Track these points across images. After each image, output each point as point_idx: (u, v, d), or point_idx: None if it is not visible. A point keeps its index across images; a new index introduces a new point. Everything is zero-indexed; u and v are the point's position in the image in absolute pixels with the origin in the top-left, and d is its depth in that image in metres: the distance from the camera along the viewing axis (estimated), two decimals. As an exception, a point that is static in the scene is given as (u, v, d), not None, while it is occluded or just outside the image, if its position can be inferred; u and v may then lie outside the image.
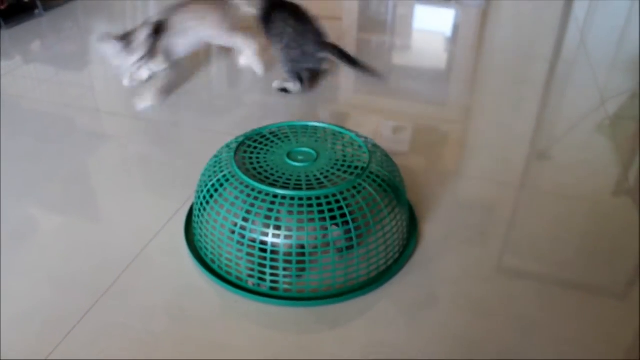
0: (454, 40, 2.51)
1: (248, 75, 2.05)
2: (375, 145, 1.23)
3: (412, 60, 2.28)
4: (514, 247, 1.23)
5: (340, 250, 1.08)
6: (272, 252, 1.05)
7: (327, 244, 1.06)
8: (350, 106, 1.85)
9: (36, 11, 2.54)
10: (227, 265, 1.11)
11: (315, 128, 1.28)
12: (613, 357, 0.97)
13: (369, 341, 0.99)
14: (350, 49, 2.34)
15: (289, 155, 1.17)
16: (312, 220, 1.03)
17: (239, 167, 1.11)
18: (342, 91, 1.97)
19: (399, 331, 1.01)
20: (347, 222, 1.05)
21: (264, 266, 1.06)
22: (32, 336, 0.99)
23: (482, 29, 2.59)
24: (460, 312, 1.05)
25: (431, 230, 1.26)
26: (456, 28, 2.63)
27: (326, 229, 1.05)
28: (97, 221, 1.29)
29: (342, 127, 1.27)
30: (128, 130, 1.68)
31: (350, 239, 1.07)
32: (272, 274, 1.06)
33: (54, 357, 0.95)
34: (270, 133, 1.26)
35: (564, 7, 2.84)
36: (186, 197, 1.35)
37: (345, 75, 2.10)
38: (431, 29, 2.65)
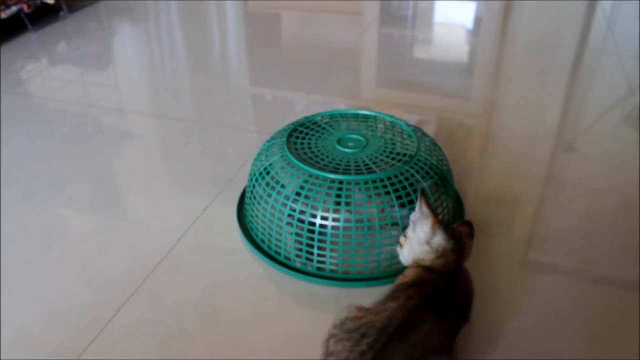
0: (476, 32, 2.48)
1: (271, 71, 2.06)
2: (423, 134, 1.25)
3: (434, 53, 2.27)
4: (541, 242, 1.22)
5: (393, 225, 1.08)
6: (320, 233, 1.07)
7: (386, 225, 1.07)
8: (373, 101, 1.85)
9: (61, 13, 2.58)
10: (276, 245, 1.14)
11: (366, 116, 1.30)
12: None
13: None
14: (372, 44, 2.34)
15: (339, 142, 1.20)
16: (359, 203, 1.06)
17: (291, 152, 1.15)
18: (364, 85, 1.97)
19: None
20: (393, 207, 1.07)
21: (312, 246, 1.08)
22: (66, 334, 1.00)
23: (505, 21, 2.56)
24: (488, 307, 1.05)
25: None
26: (478, 20, 2.60)
27: (383, 210, 1.07)
28: (126, 220, 1.31)
29: (392, 116, 1.29)
30: (153, 129, 1.70)
31: (397, 223, 1.07)
32: (319, 255, 1.09)
33: (87, 354, 0.97)
34: (322, 120, 1.29)
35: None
36: (214, 195, 1.36)
37: (367, 70, 2.10)
38: (453, 22, 2.63)
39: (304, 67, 2.08)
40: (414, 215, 0.92)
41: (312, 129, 1.26)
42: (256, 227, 1.19)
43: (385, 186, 1.07)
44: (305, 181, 1.09)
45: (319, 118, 1.30)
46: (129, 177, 1.47)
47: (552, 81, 1.97)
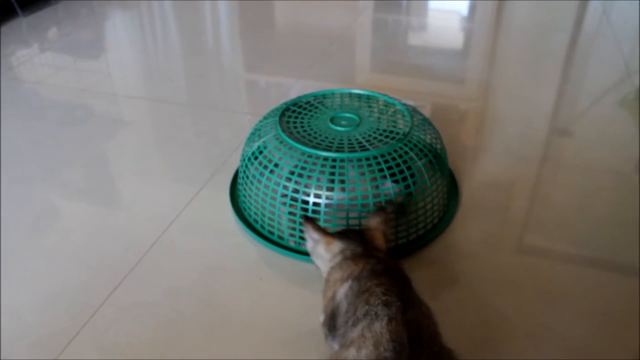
0: (471, 17, 2.47)
1: (265, 55, 2.04)
2: (417, 112, 1.23)
3: (429, 39, 2.25)
4: (538, 223, 1.21)
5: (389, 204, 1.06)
6: (313, 211, 1.06)
7: (379, 202, 1.06)
8: (368, 85, 1.83)
9: (51, -1, 2.55)
10: (270, 225, 1.12)
11: (359, 95, 1.29)
12: (638, 330, 0.96)
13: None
14: (366, 28, 2.33)
15: (332, 120, 1.19)
16: (352, 181, 1.05)
17: (284, 131, 1.14)
18: (358, 70, 1.95)
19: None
20: (386, 185, 1.06)
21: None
22: (60, 316, 0.99)
23: (500, 5, 2.54)
24: (486, 287, 1.04)
25: (458, 207, 1.25)
26: (473, 5, 2.58)
27: (377, 187, 1.06)
28: (120, 203, 1.30)
29: (385, 95, 1.28)
30: (146, 113, 1.69)
31: (391, 201, 1.07)
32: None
33: (82, 335, 0.96)
34: (315, 99, 1.28)
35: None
36: (208, 177, 1.35)
37: (361, 55, 2.08)
38: (447, 7, 2.61)
39: (298, 51, 2.07)
40: (308, 246, 0.92)
41: (304, 108, 1.25)
42: (249, 208, 1.18)
43: (378, 163, 1.06)
44: (299, 160, 1.08)
45: (311, 97, 1.28)
46: (122, 160, 1.45)
47: (548, 64, 1.96)
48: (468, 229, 1.19)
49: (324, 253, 0.89)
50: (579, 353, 0.92)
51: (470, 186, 1.32)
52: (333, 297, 0.82)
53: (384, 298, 0.74)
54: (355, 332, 0.72)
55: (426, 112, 1.67)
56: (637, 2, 2.49)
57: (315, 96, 1.29)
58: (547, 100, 1.72)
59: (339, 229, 0.97)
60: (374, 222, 0.92)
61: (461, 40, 2.26)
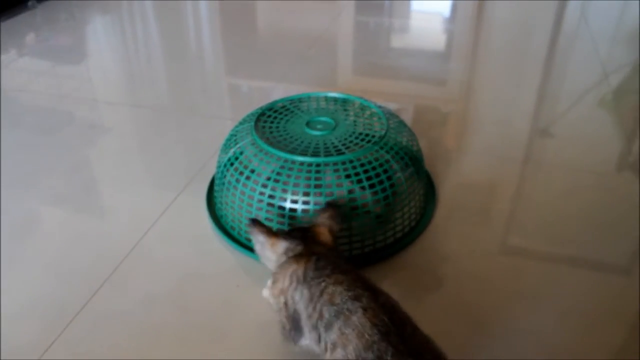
0: (452, 19, 2.48)
1: (246, 59, 2.03)
2: (393, 115, 1.23)
3: (411, 41, 2.26)
4: (518, 224, 1.22)
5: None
6: (290, 217, 1.05)
7: (355, 207, 1.06)
8: (350, 89, 1.83)
9: (29, 3, 2.51)
10: (247, 232, 1.11)
11: (335, 98, 1.29)
12: (618, 326, 0.97)
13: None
14: (347, 31, 2.32)
15: (308, 124, 1.18)
16: (329, 185, 1.04)
17: (260, 136, 1.13)
18: (340, 73, 1.95)
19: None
20: (363, 188, 1.06)
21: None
22: (32, 327, 0.97)
23: (481, 6, 2.55)
24: (464, 289, 1.04)
25: (436, 209, 1.25)
26: (454, 7, 2.59)
27: (353, 192, 1.06)
28: (97, 212, 1.28)
29: (361, 98, 1.28)
30: (126, 119, 1.67)
31: (366, 204, 1.07)
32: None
33: (54, 349, 0.94)
34: (290, 103, 1.27)
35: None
36: (185, 183, 1.34)
37: (343, 57, 2.08)
38: (429, 9, 2.62)
39: (280, 55, 2.06)
40: (257, 249, 0.91)
41: (280, 113, 1.24)
42: (226, 215, 1.17)
43: (354, 167, 1.06)
44: (275, 165, 1.07)
45: (286, 101, 1.28)
46: (100, 167, 1.43)
47: (528, 64, 1.97)
48: (447, 231, 1.19)
49: (271, 255, 0.88)
50: (558, 353, 0.92)
51: (450, 188, 1.32)
52: (286, 305, 0.81)
53: (349, 293, 0.73)
54: (333, 334, 0.72)
55: (408, 114, 1.67)
56: (613, 2, 2.52)
57: (291, 100, 1.28)
58: (527, 101, 1.73)
59: (286, 229, 0.96)
60: (321, 218, 0.92)
61: (443, 41, 2.27)
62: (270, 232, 0.89)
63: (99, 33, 2.35)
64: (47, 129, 1.61)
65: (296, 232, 0.89)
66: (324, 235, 0.88)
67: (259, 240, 0.89)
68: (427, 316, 0.99)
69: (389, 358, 0.65)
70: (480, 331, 0.96)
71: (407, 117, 1.65)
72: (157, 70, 2.00)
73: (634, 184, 1.33)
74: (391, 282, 1.06)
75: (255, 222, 0.90)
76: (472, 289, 1.04)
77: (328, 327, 0.73)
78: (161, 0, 2.66)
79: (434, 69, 1.97)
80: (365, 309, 0.70)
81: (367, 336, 0.68)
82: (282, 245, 0.87)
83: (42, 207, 1.29)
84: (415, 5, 2.68)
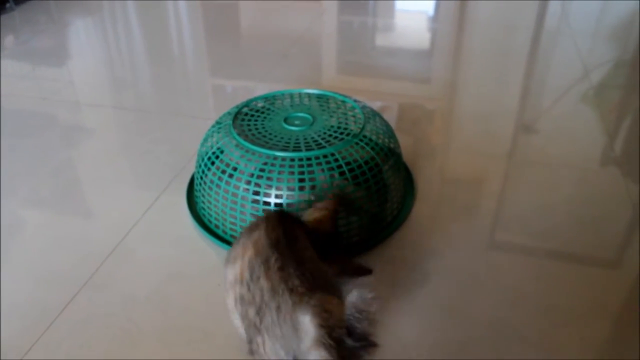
0: (436, 17, 2.48)
1: (230, 59, 2.02)
2: (370, 110, 1.24)
3: (395, 40, 2.26)
4: (502, 220, 1.22)
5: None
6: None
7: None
8: (334, 87, 1.83)
9: (7, 5, 2.48)
10: (231, 229, 1.11)
11: (311, 95, 1.29)
12: (601, 320, 0.97)
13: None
14: (331, 30, 2.32)
15: (285, 121, 1.19)
16: (313, 179, 1.05)
17: (239, 133, 1.13)
18: (325, 72, 1.94)
19: (386, 307, 0.99)
20: (346, 180, 1.07)
21: None
22: (13, 330, 0.95)
23: (463, 5, 2.56)
24: (449, 285, 1.04)
25: (420, 206, 1.25)
26: (438, 5, 2.60)
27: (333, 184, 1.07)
28: (79, 213, 1.25)
29: (337, 93, 1.29)
30: (108, 120, 1.65)
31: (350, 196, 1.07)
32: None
33: (35, 351, 0.92)
34: (266, 101, 1.28)
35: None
36: (166, 183, 1.32)
37: (327, 55, 2.07)
38: (413, 8, 2.63)
39: (264, 55, 2.05)
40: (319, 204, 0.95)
41: (257, 110, 1.24)
42: (209, 213, 1.16)
43: (337, 160, 1.07)
44: (257, 162, 1.07)
45: (263, 99, 1.28)
46: (81, 169, 1.41)
47: (511, 61, 1.98)
48: (431, 228, 1.18)
49: (317, 215, 0.92)
50: (541, 349, 0.92)
51: (435, 185, 1.32)
52: None
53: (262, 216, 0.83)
54: (238, 247, 0.78)
55: (393, 112, 1.67)
56: (593, 1, 2.54)
57: (266, 98, 1.28)
58: (510, 98, 1.73)
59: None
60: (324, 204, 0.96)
61: (427, 40, 2.27)
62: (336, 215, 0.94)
63: (80, 35, 2.32)
64: (28, 131, 1.58)
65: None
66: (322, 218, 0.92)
67: (329, 206, 0.94)
68: (408, 313, 0.99)
69: (272, 261, 0.71)
70: (464, 326, 0.96)
71: (392, 115, 1.64)
72: (139, 71, 1.98)
73: (617, 178, 1.33)
74: (376, 276, 1.05)
75: (341, 198, 0.97)
76: (456, 285, 1.04)
77: (235, 243, 0.81)
78: (143, 1, 2.64)
79: (418, 67, 1.97)
80: (266, 226, 0.77)
81: (259, 245, 0.75)
82: (327, 223, 0.92)
83: (24, 210, 1.26)
84: (399, 5, 2.68)
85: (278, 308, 0.65)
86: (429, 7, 2.63)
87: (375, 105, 1.70)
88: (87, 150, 1.49)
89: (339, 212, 0.96)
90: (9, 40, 2.25)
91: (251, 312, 0.69)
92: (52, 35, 2.30)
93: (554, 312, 0.98)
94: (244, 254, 0.76)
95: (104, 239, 1.16)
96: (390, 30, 2.38)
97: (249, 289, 0.71)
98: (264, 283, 0.69)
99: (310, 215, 0.93)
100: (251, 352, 0.70)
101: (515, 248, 1.13)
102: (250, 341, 0.70)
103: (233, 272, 0.76)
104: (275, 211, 0.86)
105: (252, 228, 0.81)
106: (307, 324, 0.61)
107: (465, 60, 2.03)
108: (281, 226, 0.78)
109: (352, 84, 1.86)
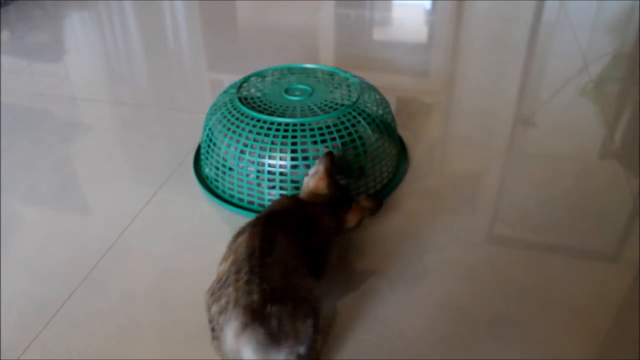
0: (433, 10, 2.47)
1: (227, 53, 2.01)
2: (366, 83, 1.32)
3: (392, 33, 2.25)
4: (502, 213, 1.21)
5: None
6: (270, 172, 1.14)
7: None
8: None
9: (2, 0, 2.46)
10: (229, 189, 1.21)
11: (313, 69, 1.38)
12: (601, 314, 0.96)
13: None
14: (328, 24, 2.31)
15: (286, 91, 1.27)
16: (304, 143, 1.13)
17: (241, 102, 1.22)
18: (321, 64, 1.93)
19: (386, 301, 0.99)
20: (336, 146, 1.14)
21: (261, 185, 1.17)
22: (10, 327, 0.95)
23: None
24: (449, 279, 1.04)
25: (420, 201, 1.24)
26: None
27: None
28: (75, 208, 1.25)
29: (336, 68, 1.37)
30: (105, 115, 1.64)
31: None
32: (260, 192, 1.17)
33: (33, 348, 0.92)
34: (270, 74, 1.36)
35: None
36: (165, 178, 1.32)
37: (324, 49, 2.07)
38: (410, 1, 2.61)
39: (261, 49, 2.04)
40: (310, 171, 1.02)
41: (260, 81, 1.33)
42: (215, 179, 1.24)
43: (328, 127, 1.14)
44: (254, 126, 1.15)
45: (267, 72, 1.37)
46: (78, 164, 1.40)
47: (510, 54, 1.97)
48: (430, 221, 1.18)
49: (307, 181, 1.01)
50: (541, 343, 0.92)
51: (434, 178, 1.31)
52: None
53: (251, 221, 0.89)
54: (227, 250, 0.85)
55: (392, 105, 1.66)
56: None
57: (271, 70, 1.38)
58: (509, 91, 1.73)
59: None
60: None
61: (425, 33, 2.26)
62: (329, 173, 1.00)
63: (76, 30, 2.31)
64: (25, 127, 1.57)
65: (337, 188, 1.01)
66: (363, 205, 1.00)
67: (319, 169, 1.01)
68: (408, 307, 0.99)
69: (241, 274, 0.76)
70: (462, 322, 0.95)
71: (391, 108, 1.63)
72: (136, 65, 1.97)
73: (617, 170, 1.33)
74: (375, 269, 1.05)
75: (331, 154, 1.02)
76: (457, 278, 1.04)
77: (231, 241, 0.87)
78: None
79: (416, 60, 1.96)
80: (249, 234, 0.82)
81: (237, 253, 0.80)
82: (322, 185, 0.99)
83: (21, 206, 1.26)
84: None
85: (231, 321, 0.72)
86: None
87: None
88: (84, 146, 1.48)
89: (333, 170, 1.02)
90: (4, 35, 2.24)
91: (214, 309, 0.76)
92: (47, 30, 2.28)
93: (556, 307, 0.98)
94: (228, 258, 0.82)
95: (102, 234, 1.16)
96: (387, 24, 2.37)
97: (219, 289, 0.77)
98: (231, 291, 0.75)
99: (306, 187, 1.01)
100: (213, 339, 0.78)
101: (516, 242, 1.13)
102: (212, 330, 0.77)
103: (219, 269, 0.83)
104: (265, 214, 0.90)
105: (240, 232, 0.87)
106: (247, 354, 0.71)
107: (464, 53, 2.02)
108: (263, 234, 0.82)
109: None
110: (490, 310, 0.97)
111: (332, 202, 0.99)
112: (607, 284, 1.03)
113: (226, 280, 0.78)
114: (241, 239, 0.83)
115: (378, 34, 2.26)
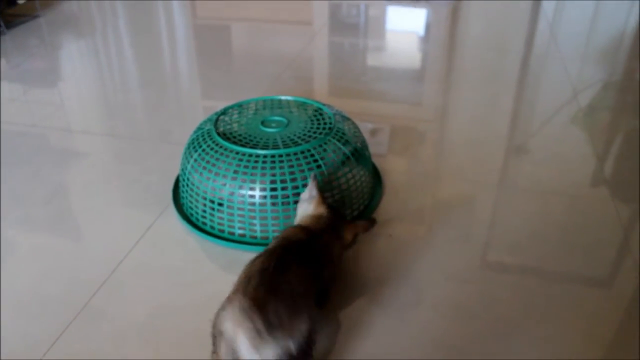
0: (426, 39, 2.51)
1: (221, 83, 2.03)
2: (340, 114, 1.36)
3: (386, 61, 2.27)
4: (495, 246, 1.22)
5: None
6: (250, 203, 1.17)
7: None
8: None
9: (-1, 29, 2.48)
10: (219, 224, 1.22)
11: (286, 101, 1.43)
12: (594, 350, 0.96)
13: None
14: (322, 53, 2.33)
15: (263, 123, 1.30)
16: (283, 174, 1.17)
17: (220, 136, 1.24)
18: (316, 94, 1.95)
19: (377, 335, 0.99)
20: (323, 173, 1.18)
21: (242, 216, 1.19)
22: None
23: (454, 27, 2.59)
24: (441, 315, 1.03)
25: (412, 231, 1.25)
26: (428, 27, 2.63)
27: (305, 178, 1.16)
28: (67, 242, 1.24)
29: (308, 99, 1.41)
30: (99, 148, 1.64)
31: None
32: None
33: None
34: (244, 107, 1.40)
35: (533, 2, 2.86)
36: (159, 212, 1.32)
37: (319, 78, 2.09)
38: (403, 29, 2.65)
39: (256, 78, 2.06)
40: (303, 196, 1.07)
41: (236, 115, 1.36)
42: (196, 212, 1.25)
43: (305, 157, 1.18)
44: (240, 159, 1.17)
45: (242, 105, 1.41)
46: (71, 198, 1.40)
47: (501, 84, 2.00)
48: (423, 256, 1.18)
49: (307, 207, 1.05)
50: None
51: (428, 209, 1.32)
52: None
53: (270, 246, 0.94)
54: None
55: (386, 135, 1.67)
56: (581, 24, 2.58)
57: (244, 104, 1.42)
58: (500, 121, 1.74)
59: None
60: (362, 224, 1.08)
61: (418, 61, 2.29)
62: (322, 195, 1.06)
63: (72, 58, 2.32)
64: (20, 158, 1.58)
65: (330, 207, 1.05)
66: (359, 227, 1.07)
67: (313, 194, 1.05)
68: (399, 344, 0.98)
69: (252, 281, 0.82)
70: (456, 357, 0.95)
71: (384, 138, 1.65)
72: (131, 95, 1.98)
73: (607, 201, 1.34)
74: (373, 305, 1.05)
75: (316, 178, 1.08)
76: (448, 316, 1.04)
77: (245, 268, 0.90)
78: (135, 23, 2.65)
79: (409, 89, 1.99)
80: (266, 256, 0.88)
81: (252, 269, 0.86)
82: (322, 209, 1.03)
83: (9, 239, 1.26)
84: (389, 25, 2.70)
85: (232, 305, 0.78)
86: (419, 27, 2.66)
87: (367, 127, 1.71)
88: (76, 178, 1.48)
89: (323, 191, 1.07)
90: (1, 63, 2.25)
91: (218, 312, 0.80)
92: (43, 58, 2.30)
93: (549, 343, 0.98)
94: (240, 277, 0.87)
95: (95, 270, 1.15)
96: (381, 51, 2.40)
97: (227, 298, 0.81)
98: (237, 290, 0.81)
99: (305, 213, 1.05)
100: (212, 353, 0.82)
101: (509, 276, 1.13)
102: (213, 338, 0.81)
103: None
104: (282, 244, 0.94)
105: (257, 256, 0.91)
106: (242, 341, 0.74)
107: (456, 83, 2.04)
108: (279, 257, 0.88)
109: (344, 106, 1.85)
110: (482, 348, 0.97)
111: (333, 223, 1.02)
112: (599, 314, 1.03)
113: (235, 289, 0.82)
114: (257, 261, 0.88)
115: (372, 62, 2.29)
